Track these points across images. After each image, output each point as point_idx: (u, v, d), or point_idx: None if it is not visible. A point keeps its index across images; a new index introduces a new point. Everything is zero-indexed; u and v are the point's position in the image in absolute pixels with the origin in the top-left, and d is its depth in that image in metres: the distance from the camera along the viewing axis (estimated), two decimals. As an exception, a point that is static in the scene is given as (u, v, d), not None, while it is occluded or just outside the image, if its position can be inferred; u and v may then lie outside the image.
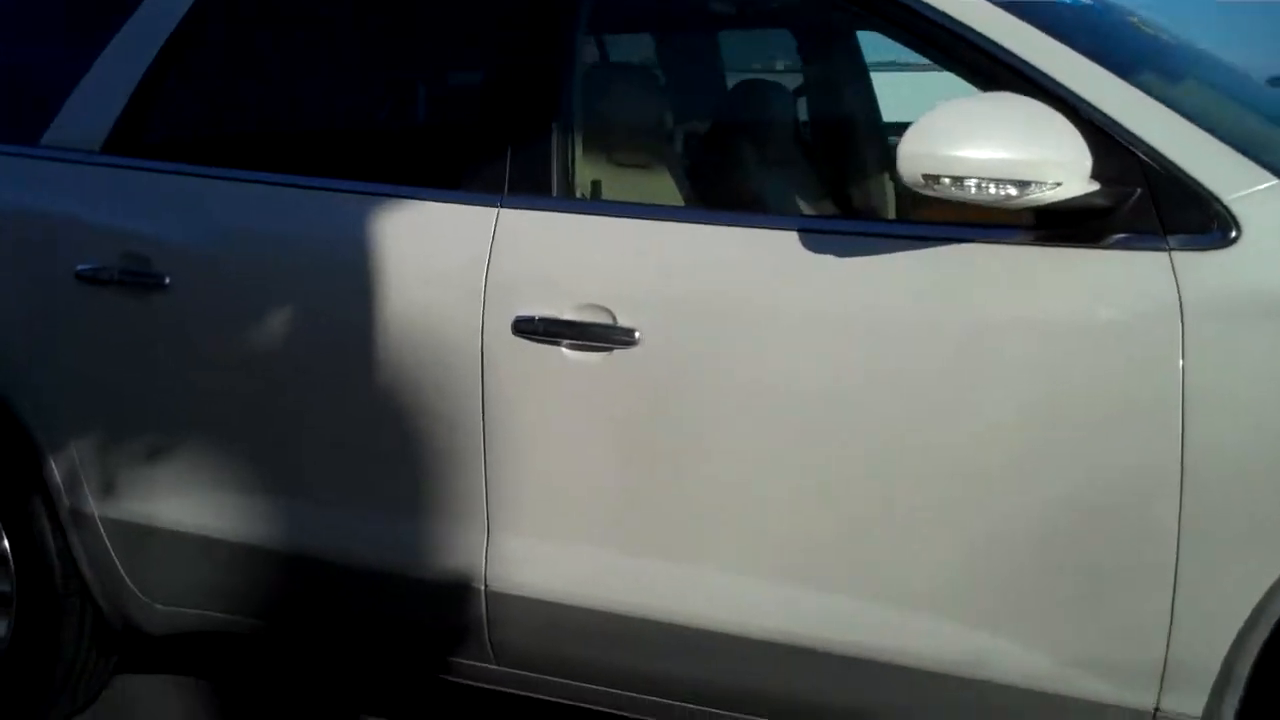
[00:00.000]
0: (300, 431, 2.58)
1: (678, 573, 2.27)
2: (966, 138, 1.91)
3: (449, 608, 2.46)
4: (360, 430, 2.50)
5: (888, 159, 2.95)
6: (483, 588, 2.41)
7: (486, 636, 2.46)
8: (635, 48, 3.59)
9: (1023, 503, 2.04)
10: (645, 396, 2.26)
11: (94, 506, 2.78)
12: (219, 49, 2.94)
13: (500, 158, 2.42)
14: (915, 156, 1.92)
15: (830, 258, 2.16)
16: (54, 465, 2.78)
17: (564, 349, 2.29)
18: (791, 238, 2.20)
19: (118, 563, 2.77)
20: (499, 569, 2.39)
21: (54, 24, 3.01)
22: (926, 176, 1.92)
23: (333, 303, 2.50)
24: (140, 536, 2.75)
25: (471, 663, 2.53)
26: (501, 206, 2.38)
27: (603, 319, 2.26)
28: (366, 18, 2.94)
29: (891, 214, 3.18)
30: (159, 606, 2.80)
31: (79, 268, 2.70)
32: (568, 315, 2.29)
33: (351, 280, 2.45)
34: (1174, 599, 1.95)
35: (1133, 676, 2.00)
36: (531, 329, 2.31)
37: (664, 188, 2.68)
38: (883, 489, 2.12)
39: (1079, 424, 1.99)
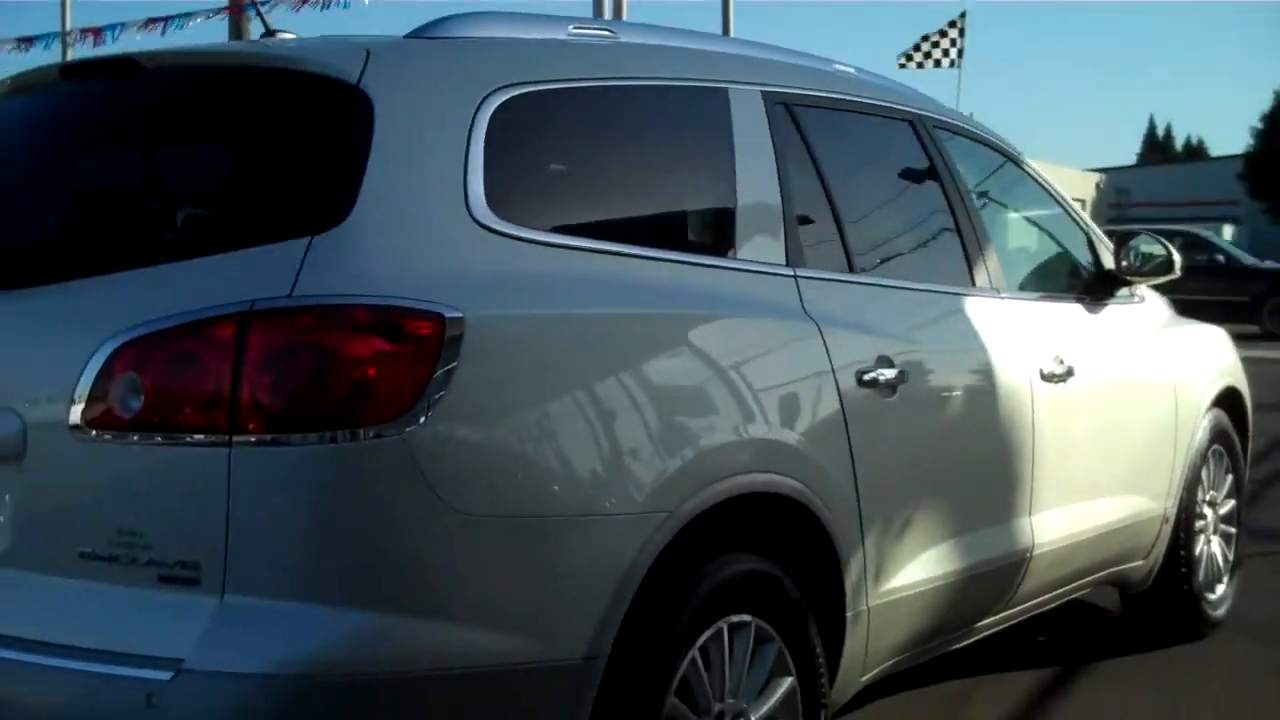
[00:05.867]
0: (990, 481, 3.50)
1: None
2: None
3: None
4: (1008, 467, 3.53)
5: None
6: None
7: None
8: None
9: None
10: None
11: (868, 600, 2.99)
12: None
13: None
14: None
15: None
16: (848, 569, 2.89)
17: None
18: None
19: (866, 649, 3.03)
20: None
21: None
22: None
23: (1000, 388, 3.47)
24: (884, 614, 3.06)
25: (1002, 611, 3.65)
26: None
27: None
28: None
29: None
30: (861, 680, 3.13)
31: (861, 372, 2.96)
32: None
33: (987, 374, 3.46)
34: None
35: None
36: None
37: None
38: None
39: None
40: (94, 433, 2.16)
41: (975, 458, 3.44)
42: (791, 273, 2.93)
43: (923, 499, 3.21)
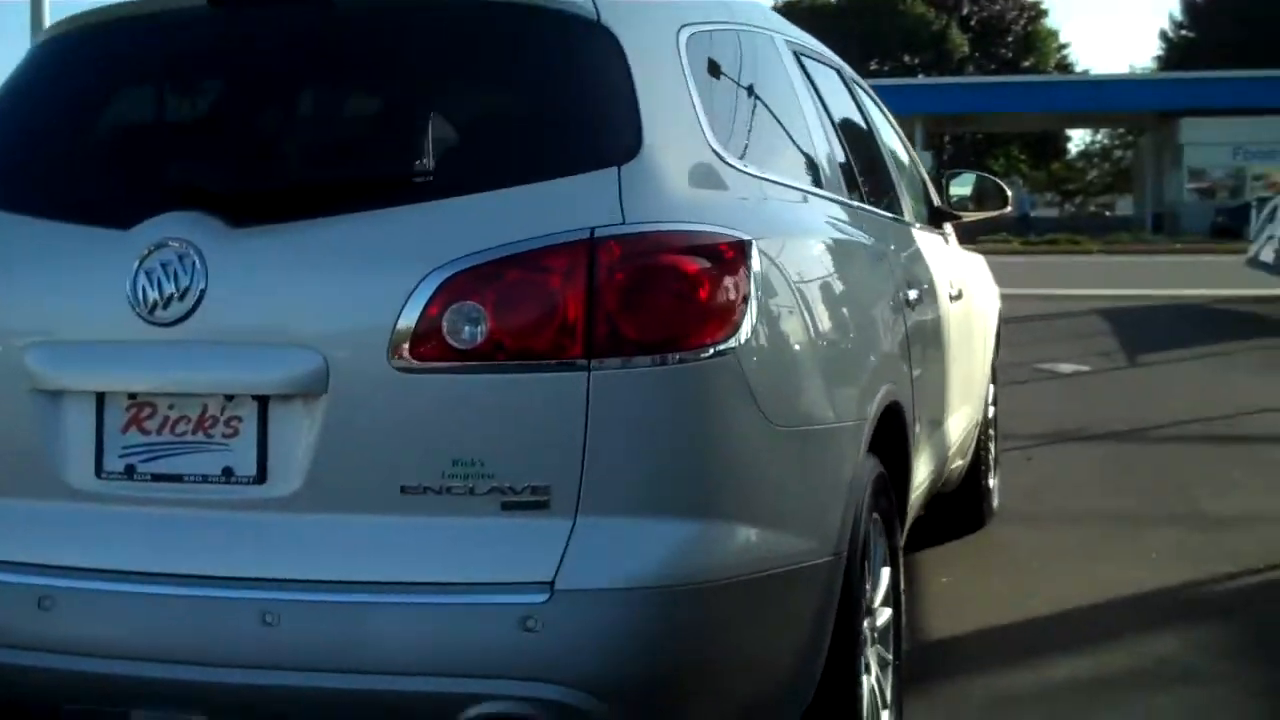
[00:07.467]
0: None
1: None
2: None
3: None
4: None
5: None
6: None
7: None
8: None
9: None
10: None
11: (911, 497, 3.42)
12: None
13: None
14: None
15: None
16: (912, 463, 3.28)
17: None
18: None
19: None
20: None
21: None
22: None
23: None
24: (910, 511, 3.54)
25: None
26: None
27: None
28: None
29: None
30: None
31: (903, 291, 3.32)
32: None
33: None
34: None
35: None
36: None
37: None
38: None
39: None
40: (422, 364, 2.13)
41: (940, 370, 3.88)
42: (856, 204, 3.21)
43: (929, 409, 3.62)
